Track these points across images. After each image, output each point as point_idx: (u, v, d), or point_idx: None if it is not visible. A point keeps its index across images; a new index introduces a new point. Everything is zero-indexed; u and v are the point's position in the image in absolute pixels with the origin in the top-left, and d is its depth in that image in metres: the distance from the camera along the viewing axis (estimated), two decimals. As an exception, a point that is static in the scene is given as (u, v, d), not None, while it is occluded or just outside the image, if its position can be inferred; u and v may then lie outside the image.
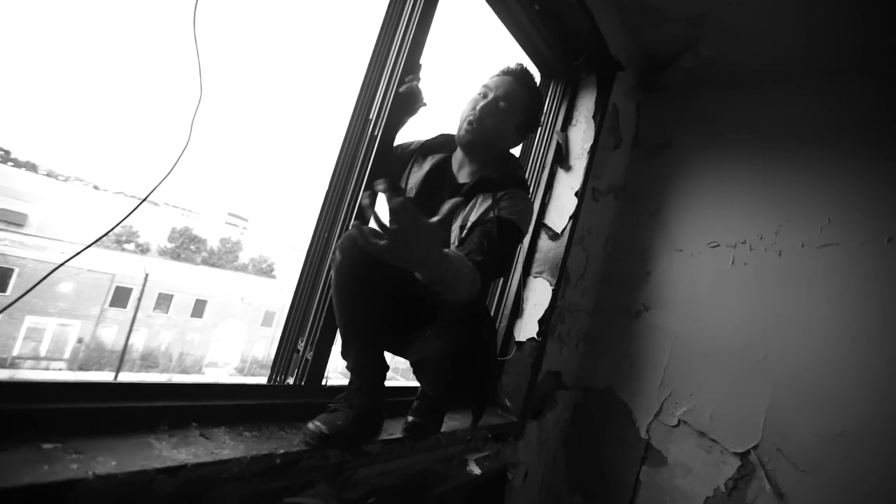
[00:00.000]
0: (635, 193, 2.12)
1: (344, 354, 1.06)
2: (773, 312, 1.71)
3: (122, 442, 0.77)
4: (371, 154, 1.17)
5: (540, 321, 1.73)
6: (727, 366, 1.75)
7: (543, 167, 1.84)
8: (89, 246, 0.99)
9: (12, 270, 12.15)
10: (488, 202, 1.07)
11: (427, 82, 1.23)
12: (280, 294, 17.14)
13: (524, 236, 1.13)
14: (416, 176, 1.19)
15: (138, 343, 13.35)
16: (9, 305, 0.96)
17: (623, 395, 1.94)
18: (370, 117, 1.20)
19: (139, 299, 11.31)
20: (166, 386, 0.91)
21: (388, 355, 1.10)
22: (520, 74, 1.13)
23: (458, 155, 1.19)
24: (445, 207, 0.75)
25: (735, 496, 1.63)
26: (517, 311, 1.78)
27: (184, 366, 14.16)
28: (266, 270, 22.08)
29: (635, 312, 1.99)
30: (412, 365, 1.05)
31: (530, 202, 1.16)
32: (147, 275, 10.53)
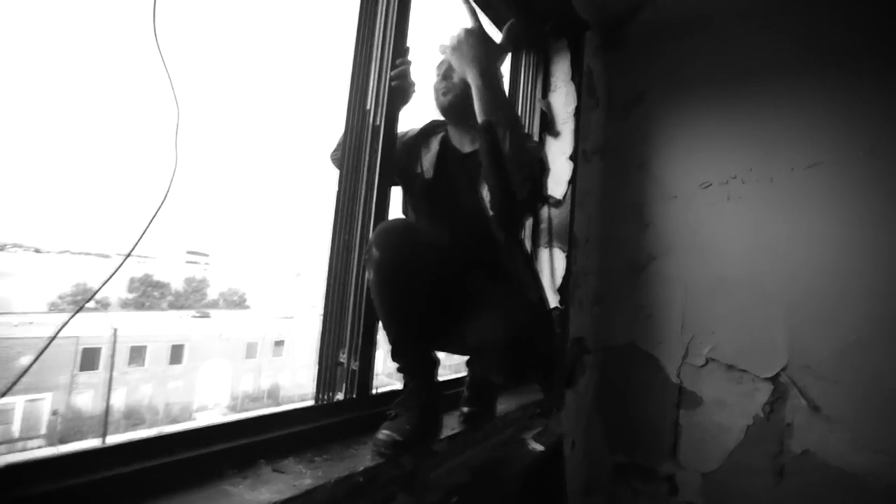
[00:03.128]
0: (618, 151, 2.14)
1: (395, 356, 1.01)
2: (773, 238, 1.77)
3: (196, 494, 0.70)
4: (378, 145, 1.11)
5: (559, 289, 1.72)
6: (741, 298, 1.81)
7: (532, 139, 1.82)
8: (79, 310, 0.90)
9: (-37, 354, 11.20)
10: None
11: (415, 66, 1.19)
12: (258, 323, 16.61)
13: (546, 170, 1.14)
14: (427, 158, 1.17)
15: (119, 402, 12.64)
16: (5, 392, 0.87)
17: (647, 346, 1.97)
18: (367, 108, 1.14)
19: (112, 357, 10.69)
20: (218, 427, 0.84)
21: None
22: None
23: (452, 130, 1.18)
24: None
25: (773, 419, 1.69)
26: (534, 284, 1.77)
27: (172, 416, 13.53)
28: (238, 303, 21.33)
29: (642, 264, 2.02)
30: (471, 352, 1.01)
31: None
32: (115, 329, 9.94)
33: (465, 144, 1.15)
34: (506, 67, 1.80)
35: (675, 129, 2.02)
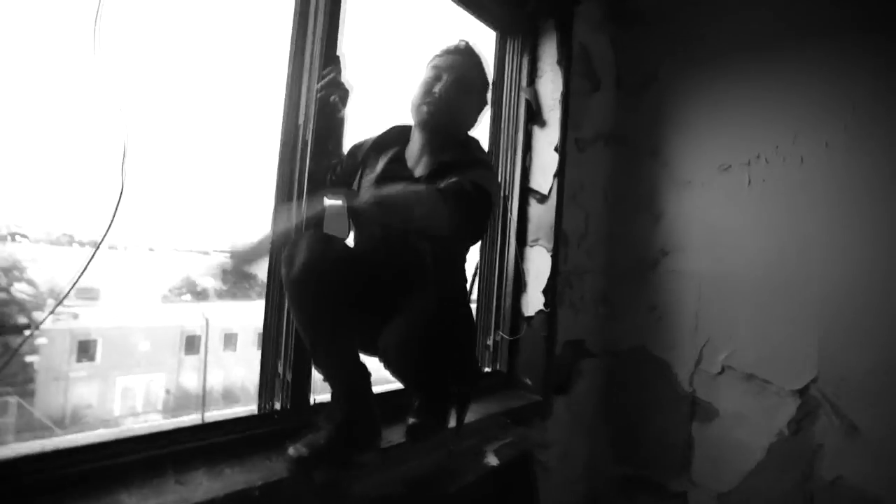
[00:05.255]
0: (628, 136, 1.94)
1: (316, 366, 1.03)
2: (804, 229, 1.51)
3: (90, 501, 0.77)
4: (306, 162, 1.12)
5: (544, 291, 1.62)
6: (765, 299, 1.57)
7: (517, 130, 1.72)
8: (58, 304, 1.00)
9: (96, 341, 13.37)
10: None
11: (355, 70, 1.18)
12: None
13: (493, 201, 1.05)
14: (368, 179, 1.13)
15: (216, 384, 14.28)
16: None
17: (657, 350, 1.79)
18: (299, 123, 1.14)
19: (205, 343, 12.06)
20: (138, 437, 0.91)
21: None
22: (468, 51, 1.11)
23: (413, 148, 1.13)
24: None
25: (801, 438, 1.46)
26: (519, 285, 1.68)
27: (261, 396, 14.98)
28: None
29: (652, 261, 1.83)
30: (379, 357, 1.00)
31: (496, 178, 1.10)
32: (207, 320, 11.19)
33: (419, 165, 1.10)
34: (490, 57, 1.73)
35: (693, 108, 1.79)
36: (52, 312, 1.03)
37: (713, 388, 1.64)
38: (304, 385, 1.13)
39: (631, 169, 1.92)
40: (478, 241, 1.20)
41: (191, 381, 14.23)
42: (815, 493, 1.42)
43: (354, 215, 1.01)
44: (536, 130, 1.71)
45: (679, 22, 1.83)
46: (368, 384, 1.04)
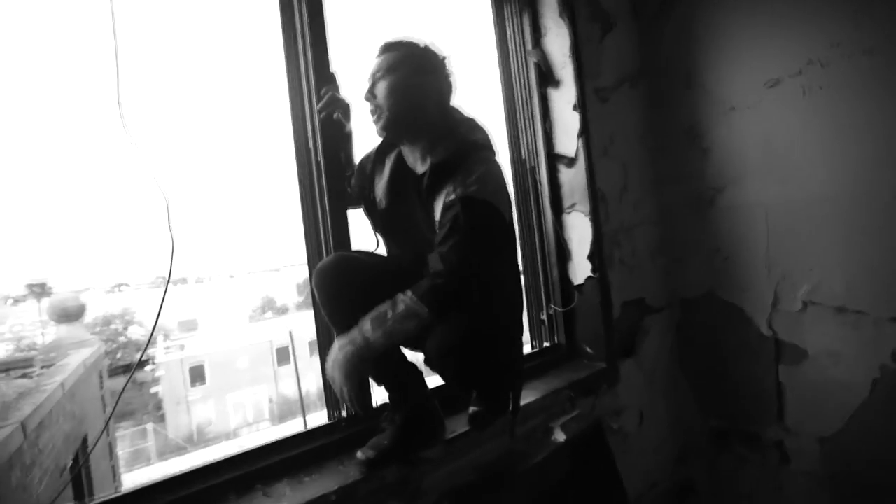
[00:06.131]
0: (657, 69, 1.78)
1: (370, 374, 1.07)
2: (884, 133, 1.31)
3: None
4: (323, 180, 1.15)
5: (590, 257, 1.56)
6: (846, 219, 1.39)
7: (531, 97, 1.64)
8: None
9: (203, 366, 14.93)
10: (449, 188, 0.98)
11: (351, 83, 1.18)
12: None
13: (501, 199, 1.01)
14: (380, 186, 1.14)
15: (311, 388, 15.40)
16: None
17: (728, 295, 1.66)
18: (309, 146, 1.18)
19: (293, 353, 13.04)
20: (227, 460, 1.01)
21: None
22: (388, 45, 1.04)
23: (405, 149, 1.11)
24: None
25: (911, 368, 1.30)
26: (564, 255, 1.63)
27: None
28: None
29: (708, 200, 1.68)
30: (425, 363, 1.02)
31: (492, 163, 1.04)
32: (291, 331, 12.10)
33: (417, 163, 1.08)
34: (489, 25, 1.66)
35: (725, 23, 1.59)
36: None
37: (797, 328, 1.49)
38: (363, 390, 1.18)
39: (666, 105, 1.76)
40: (500, 250, 1.05)
41: (289, 389, 15.50)
42: (938, 425, 1.26)
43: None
44: (552, 92, 1.62)
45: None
46: (421, 381, 1.07)
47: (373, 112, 1.05)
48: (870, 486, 1.39)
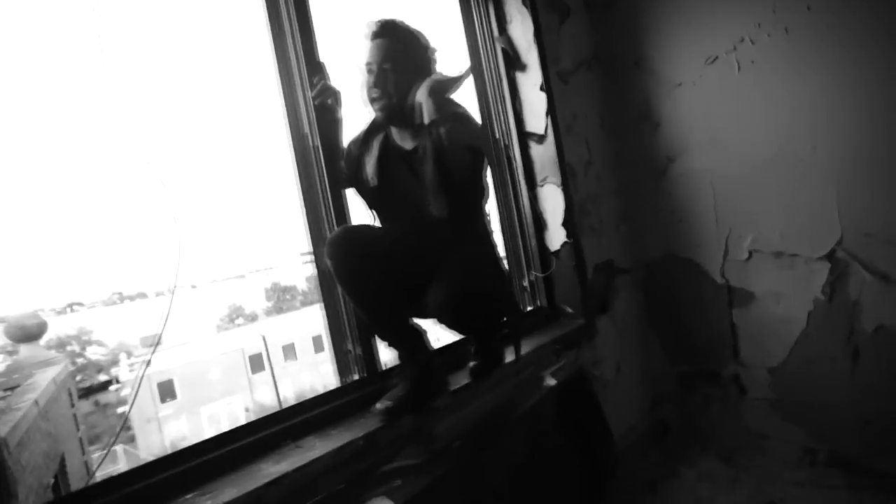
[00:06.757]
0: (609, 55, 1.95)
1: (379, 337, 1.19)
2: (802, 101, 1.52)
3: (238, 474, 0.97)
4: (322, 165, 1.24)
5: (564, 224, 1.72)
6: (777, 177, 1.61)
7: (500, 79, 1.77)
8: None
9: (172, 380, 14.39)
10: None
11: (339, 72, 1.27)
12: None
13: (473, 130, 1.18)
14: (370, 164, 1.24)
15: (289, 392, 15.16)
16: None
17: (685, 252, 1.86)
18: (304, 132, 1.26)
19: (267, 358, 12.81)
20: (258, 422, 1.10)
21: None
22: (382, 29, 1.15)
23: (393, 129, 1.22)
24: None
25: (837, 299, 1.53)
26: (540, 224, 1.78)
27: (332, 394, 15.88)
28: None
29: (661, 169, 1.87)
30: (430, 317, 1.15)
31: (472, 122, 1.18)
32: (264, 336, 11.87)
33: (406, 140, 1.20)
34: (455, 13, 1.77)
35: (667, 8, 1.78)
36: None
37: (745, 274, 1.71)
38: (372, 355, 1.29)
39: (620, 86, 1.94)
40: (480, 184, 1.24)
41: (265, 396, 15.19)
42: (861, 345, 1.50)
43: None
44: (519, 75, 1.76)
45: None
46: (425, 341, 1.20)
47: (378, 98, 1.15)
48: (809, 404, 1.63)
